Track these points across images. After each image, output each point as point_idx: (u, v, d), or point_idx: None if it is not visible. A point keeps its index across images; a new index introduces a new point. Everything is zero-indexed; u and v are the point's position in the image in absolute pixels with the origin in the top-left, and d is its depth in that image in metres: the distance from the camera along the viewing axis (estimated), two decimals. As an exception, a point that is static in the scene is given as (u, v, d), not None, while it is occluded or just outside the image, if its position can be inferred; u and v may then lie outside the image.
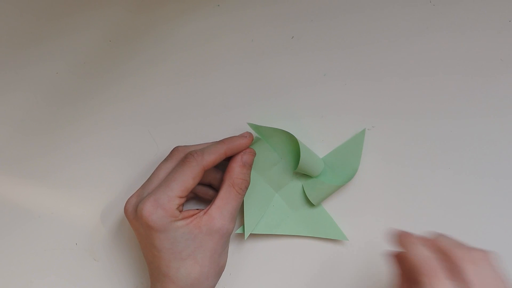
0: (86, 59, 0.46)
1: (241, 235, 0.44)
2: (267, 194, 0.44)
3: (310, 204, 0.44)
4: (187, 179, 0.38)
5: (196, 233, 0.38)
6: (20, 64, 0.46)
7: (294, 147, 0.43)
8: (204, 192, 0.43)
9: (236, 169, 0.41)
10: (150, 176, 0.40)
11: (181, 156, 0.40)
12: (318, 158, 0.44)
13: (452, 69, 0.45)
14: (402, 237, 0.35)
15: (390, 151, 0.45)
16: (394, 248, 0.35)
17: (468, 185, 0.45)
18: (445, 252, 0.33)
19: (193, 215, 0.39)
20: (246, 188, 0.41)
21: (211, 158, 0.39)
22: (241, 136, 0.42)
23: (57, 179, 0.46)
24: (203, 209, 0.39)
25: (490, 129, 0.45)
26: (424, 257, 0.32)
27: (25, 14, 0.47)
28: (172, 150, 0.41)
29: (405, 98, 0.45)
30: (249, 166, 0.42)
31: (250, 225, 0.43)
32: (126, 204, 0.39)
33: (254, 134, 0.43)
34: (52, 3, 0.47)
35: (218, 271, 0.40)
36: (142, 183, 0.41)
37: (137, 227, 0.39)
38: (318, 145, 0.45)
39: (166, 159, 0.41)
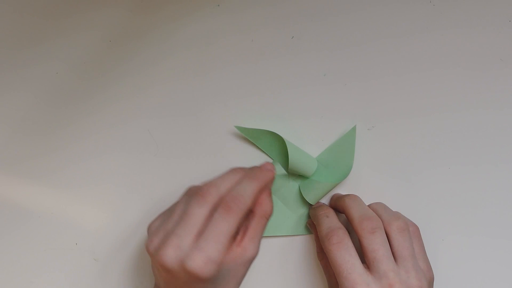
0: (86, 59, 0.46)
1: None
2: None
3: (308, 204, 0.44)
4: (234, 229, 0.37)
5: (232, 266, 0.38)
6: (21, 64, 0.46)
7: (284, 147, 0.43)
8: None
9: (265, 199, 0.40)
10: (184, 221, 0.37)
11: (215, 200, 0.38)
12: (310, 157, 0.44)
13: (452, 69, 0.45)
14: (313, 211, 0.43)
15: (390, 151, 0.45)
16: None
17: (468, 185, 0.45)
18: (351, 222, 0.40)
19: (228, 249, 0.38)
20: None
21: (251, 201, 0.38)
22: (266, 169, 0.41)
23: (57, 179, 0.46)
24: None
25: (490, 129, 0.45)
26: (327, 228, 0.40)
27: (25, 14, 0.47)
28: (201, 192, 0.38)
29: (405, 98, 0.45)
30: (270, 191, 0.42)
31: None
32: (162, 255, 0.36)
33: (242, 137, 0.44)
34: (52, 3, 0.47)
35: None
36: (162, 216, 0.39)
37: (177, 277, 0.36)
38: (318, 145, 0.45)
39: (199, 204, 0.37)
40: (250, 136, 0.44)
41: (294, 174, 0.44)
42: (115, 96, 0.46)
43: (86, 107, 0.46)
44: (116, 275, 0.45)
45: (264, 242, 0.45)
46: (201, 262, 0.36)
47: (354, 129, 0.44)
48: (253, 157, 0.45)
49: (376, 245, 0.38)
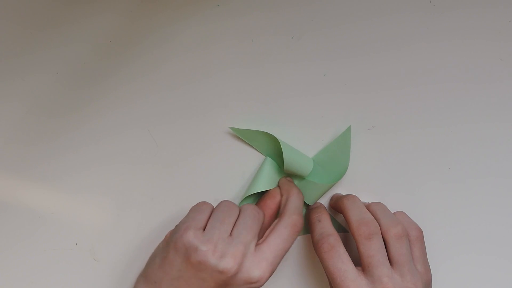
0: (86, 63, 0.46)
1: None
2: None
3: (306, 204, 0.44)
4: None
5: None
6: (21, 68, 0.46)
7: (279, 147, 0.43)
8: None
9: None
10: (249, 231, 0.39)
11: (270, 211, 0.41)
12: (306, 157, 0.44)
13: (452, 68, 0.45)
14: (307, 213, 0.44)
15: (390, 151, 0.45)
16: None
17: (468, 185, 0.45)
18: (348, 225, 0.40)
19: None
20: None
21: None
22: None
23: (57, 179, 0.46)
24: None
25: (490, 128, 0.45)
26: (318, 235, 0.40)
27: (26, 17, 0.47)
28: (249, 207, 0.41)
29: (405, 98, 0.45)
30: None
31: None
32: (229, 263, 0.37)
33: (236, 136, 0.44)
34: (51, 7, 0.47)
35: None
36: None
37: (232, 283, 0.37)
38: (318, 145, 0.45)
39: (254, 216, 0.40)
40: (245, 137, 0.44)
41: (291, 175, 0.44)
42: (116, 98, 0.46)
43: (86, 105, 0.46)
44: (116, 275, 0.45)
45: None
46: (268, 272, 0.38)
47: (349, 129, 0.44)
48: (254, 158, 0.45)
49: (372, 251, 0.38)
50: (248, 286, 0.37)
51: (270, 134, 0.43)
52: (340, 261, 0.38)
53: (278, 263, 0.38)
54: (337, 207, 0.43)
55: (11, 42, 0.47)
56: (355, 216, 0.40)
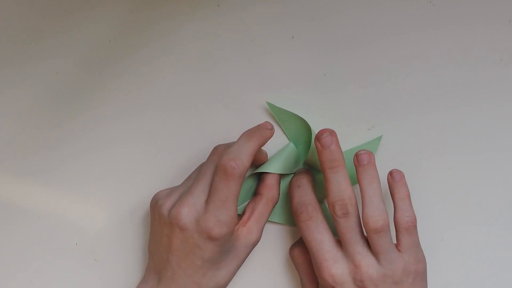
0: (86, 57, 0.46)
1: None
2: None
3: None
4: (237, 192, 0.38)
5: (236, 245, 0.39)
6: (20, 62, 0.46)
7: (307, 137, 0.43)
8: None
9: (275, 185, 0.41)
10: (199, 179, 0.39)
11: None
12: None
13: (452, 69, 0.45)
14: (292, 180, 0.42)
15: (390, 151, 0.45)
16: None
17: (468, 185, 0.45)
18: (326, 198, 0.39)
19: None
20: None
21: (248, 162, 0.38)
22: (265, 128, 0.40)
23: (57, 178, 0.46)
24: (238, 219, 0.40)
25: (490, 129, 0.45)
26: (297, 203, 0.40)
27: (26, 12, 0.47)
28: (215, 151, 0.41)
29: (405, 98, 0.45)
30: None
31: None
32: (179, 214, 0.37)
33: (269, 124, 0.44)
34: (53, 6, 0.47)
35: None
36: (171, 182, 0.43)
37: (190, 236, 0.37)
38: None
39: (214, 162, 0.40)
40: (278, 117, 0.44)
41: (307, 166, 0.44)
42: (115, 94, 0.46)
43: (86, 106, 0.46)
44: (116, 275, 0.45)
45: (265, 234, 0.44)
46: (211, 223, 0.37)
47: (379, 139, 0.44)
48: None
49: (343, 229, 0.38)
50: (207, 236, 0.37)
51: (305, 122, 0.43)
52: (317, 231, 0.39)
53: (229, 213, 0.37)
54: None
55: (11, 42, 0.47)
56: (333, 192, 0.38)
